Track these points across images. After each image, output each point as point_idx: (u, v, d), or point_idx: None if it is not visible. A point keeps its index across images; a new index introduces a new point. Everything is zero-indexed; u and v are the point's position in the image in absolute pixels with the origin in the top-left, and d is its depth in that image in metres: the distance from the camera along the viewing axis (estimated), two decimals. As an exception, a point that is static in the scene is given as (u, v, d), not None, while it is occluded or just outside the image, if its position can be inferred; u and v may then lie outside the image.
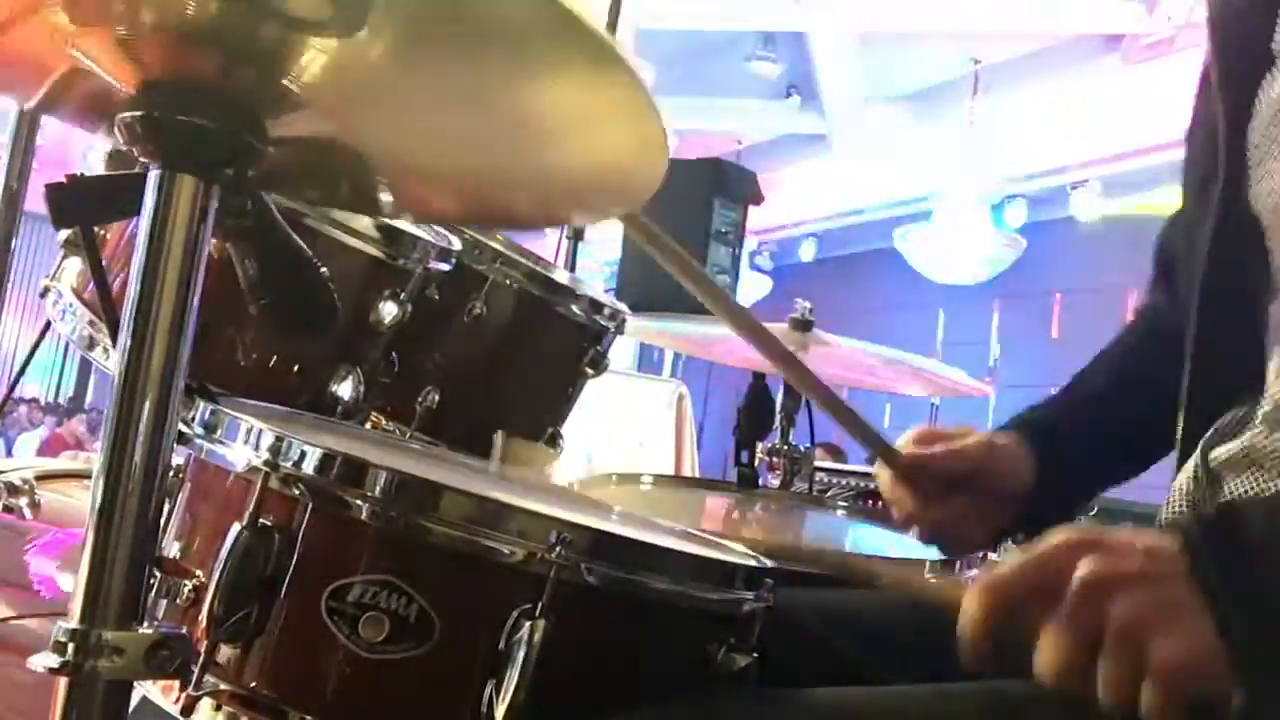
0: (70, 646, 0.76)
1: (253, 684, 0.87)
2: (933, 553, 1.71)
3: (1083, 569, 0.70)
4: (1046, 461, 1.17)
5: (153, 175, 0.79)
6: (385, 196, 0.99)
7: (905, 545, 1.75)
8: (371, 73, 0.77)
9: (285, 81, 0.77)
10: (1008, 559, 0.76)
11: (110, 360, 1.15)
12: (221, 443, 0.96)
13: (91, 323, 1.32)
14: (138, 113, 0.77)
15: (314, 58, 0.75)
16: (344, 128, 0.86)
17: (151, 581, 0.86)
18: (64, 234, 1.28)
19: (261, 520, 0.87)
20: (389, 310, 1.35)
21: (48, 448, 9.69)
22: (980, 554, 1.60)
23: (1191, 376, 0.95)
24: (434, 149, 0.89)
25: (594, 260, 8.55)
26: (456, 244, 1.46)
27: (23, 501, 1.63)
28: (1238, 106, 0.93)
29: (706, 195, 4.69)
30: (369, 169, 0.93)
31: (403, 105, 0.82)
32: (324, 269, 0.98)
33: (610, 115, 0.78)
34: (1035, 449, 1.17)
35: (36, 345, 1.81)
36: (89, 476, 0.81)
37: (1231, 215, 0.92)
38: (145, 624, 0.80)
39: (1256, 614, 0.69)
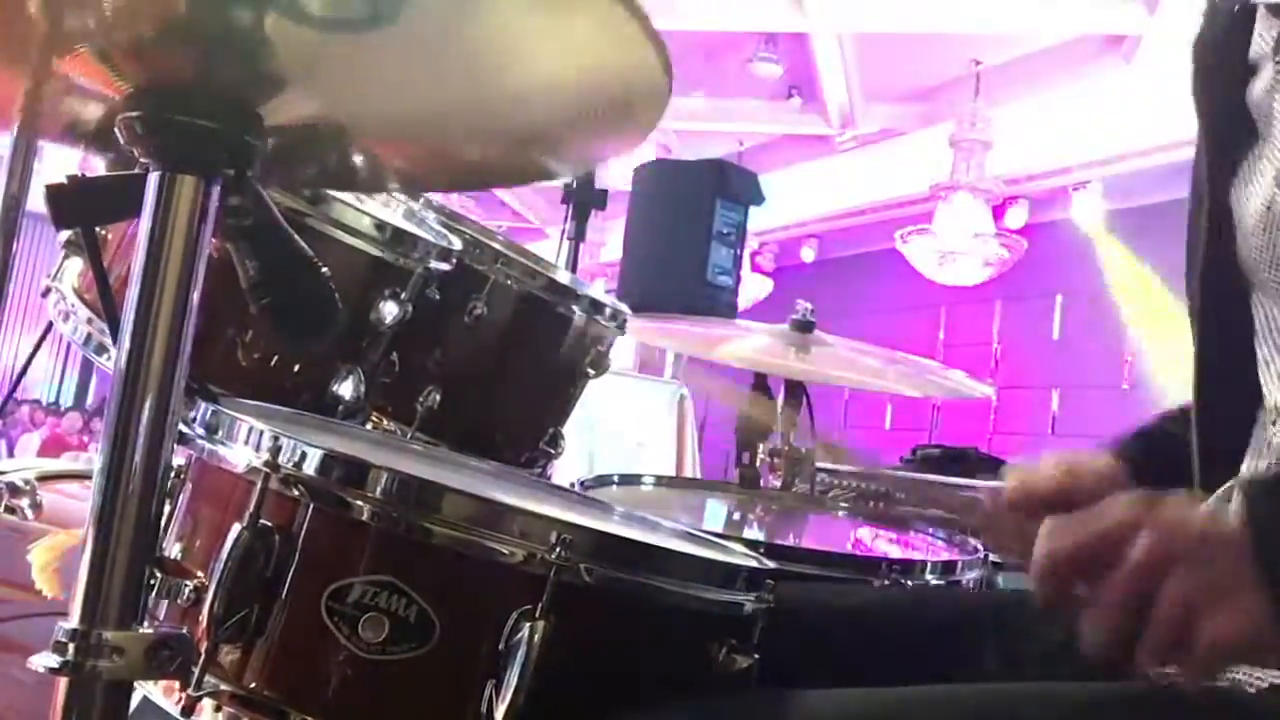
0: (71, 646, 0.76)
1: (253, 684, 0.87)
2: (934, 553, 1.71)
3: (1138, 549, 0.72)
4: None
5: (153, 176, 0.79)
6: (359, 161, 0.98)
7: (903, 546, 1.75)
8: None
9: (270, 68, 0.77)
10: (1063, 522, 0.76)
11: (111, 360, 1.15)
12: (222, 443, 0.96)
13: (92, 322, 1.32)
14: (137, 113, 0.77)
15: (290, 39, 0.75)
16: (321, 100, 0.85)
17: (152, 582, 0.86)
18: (64, 235, 1.28)
19: (262, 521, 0.87)
20: (389, 310, 1.35)
21: (48, 448, 9.68)
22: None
23: (1199, 445, 0.94)
24: (393, 101, 0.87)
25: (595, 261, 8.55)
26: (457, 244, 1.46)
27: (24, 502, 1.63)
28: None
29: (708, 196, 4.68)
30: (347, 137, 0.92)
31: (357, 59, 0.80)
32: (325, 269, 0.98)
33: (571, 34, 0.75)
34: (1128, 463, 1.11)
35: (38, 346, 1.81)
36: (90, 477, 0.81)
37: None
38: (146, 624, 0.80)
39: None
